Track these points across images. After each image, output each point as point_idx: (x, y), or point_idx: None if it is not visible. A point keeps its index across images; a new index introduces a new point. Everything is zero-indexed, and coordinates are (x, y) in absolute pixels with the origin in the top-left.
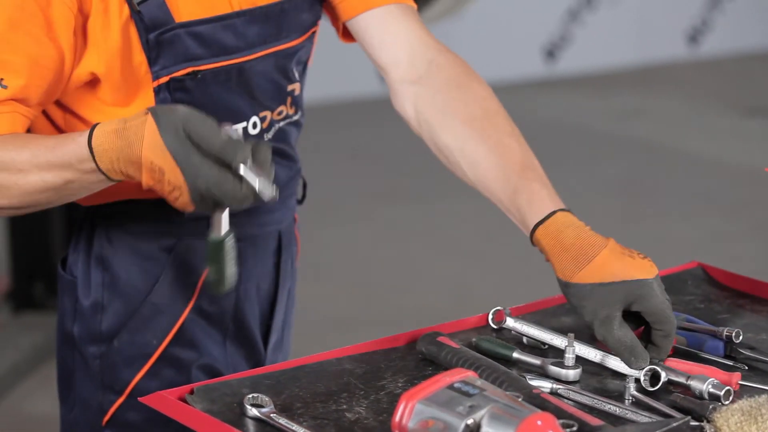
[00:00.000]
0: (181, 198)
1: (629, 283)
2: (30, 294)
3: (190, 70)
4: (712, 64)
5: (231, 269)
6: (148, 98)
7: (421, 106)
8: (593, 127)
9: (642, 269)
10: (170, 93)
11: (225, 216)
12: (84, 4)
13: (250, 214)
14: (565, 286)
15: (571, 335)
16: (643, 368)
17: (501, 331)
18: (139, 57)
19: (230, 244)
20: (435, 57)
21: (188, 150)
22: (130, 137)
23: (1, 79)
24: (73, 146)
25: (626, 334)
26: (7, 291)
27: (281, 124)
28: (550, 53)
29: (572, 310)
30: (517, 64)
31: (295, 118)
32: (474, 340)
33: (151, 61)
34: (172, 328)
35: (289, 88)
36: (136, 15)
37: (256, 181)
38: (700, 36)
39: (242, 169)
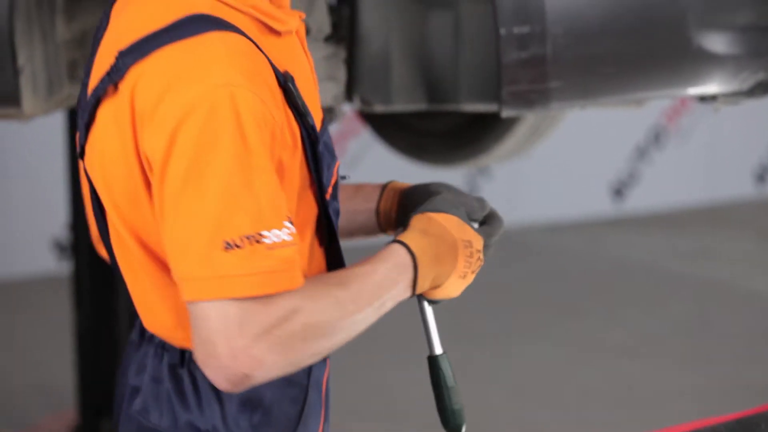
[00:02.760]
0: (480, 261)
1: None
2: (97, 431)
3: (336, 177)
4: None
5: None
6: (322, 209)
7: None
8: (661, 266)
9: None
10: (335, 201)
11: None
12: (279, 139)
13: None
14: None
15: None
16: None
17: None
18: (305, 172)
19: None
20: None
21: (466, 218)
22: (436, 231)
23: (288, 220)
24: (386, 266)
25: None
26: (74, 427)
27: None
28: (618, 191)
29: None
30: (585, 203)
31: None
32: None
33: (318, 176)
34: None
35: None
36: (305, 131)
37: None
38: None
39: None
